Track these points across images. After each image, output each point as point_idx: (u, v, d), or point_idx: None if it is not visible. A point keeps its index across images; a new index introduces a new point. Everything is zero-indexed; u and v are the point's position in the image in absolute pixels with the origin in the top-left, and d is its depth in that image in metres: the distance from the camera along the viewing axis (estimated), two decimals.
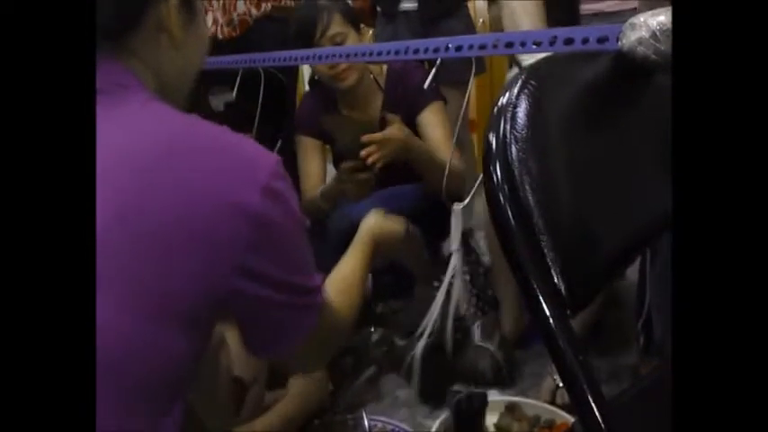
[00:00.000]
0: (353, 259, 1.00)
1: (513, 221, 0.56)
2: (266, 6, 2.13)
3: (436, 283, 1.77)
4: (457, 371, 1.28)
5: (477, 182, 1.34)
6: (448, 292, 1.18)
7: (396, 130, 1.59)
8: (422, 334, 1.21)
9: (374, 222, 1.11)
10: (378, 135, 1.56)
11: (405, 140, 1.58)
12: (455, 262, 1.14)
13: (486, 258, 1.71)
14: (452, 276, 1.15)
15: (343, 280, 0.91)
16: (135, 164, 0.57)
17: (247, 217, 0.60)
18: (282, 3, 2.15)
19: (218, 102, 1.86)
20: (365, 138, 1.56)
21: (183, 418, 0.60)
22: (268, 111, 1.85)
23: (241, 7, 2.10)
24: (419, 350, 1.20)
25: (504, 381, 1.32)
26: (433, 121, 1.72)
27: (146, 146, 0.59)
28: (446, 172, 1.42)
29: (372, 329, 1.53)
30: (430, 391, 1.32)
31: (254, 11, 2.10)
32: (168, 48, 0.68)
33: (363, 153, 1.55)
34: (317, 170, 1.79)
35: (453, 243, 1.15)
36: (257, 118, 1.77)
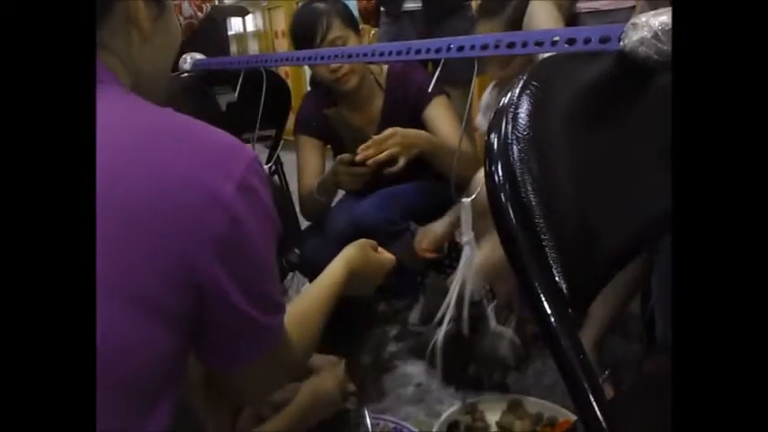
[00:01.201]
0: (319, 292, 0.93)
1: (514, 221, 0.56)
2: (207, 8, 2.14)
3: (449, 271, 1.78)
4: (476, 357, 1.30)
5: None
6: (462, 282, 1.20)
7: (392, 129, 1.58)
8: (441, 321, 1.21)
9: (356, 254, 1.02)
10: (376, 137, 1.56)
11: (404, 135, 1.58)
12: (468, 252, 1.15)
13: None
14: (466, 267, 1.17)
15: (303, 314, 0.85)
16: (109, 156, 0.56)
17: (221, 210, 0.58)
18: (216, 2, 2.16)
19: (219, 102, 1.86)
20: (362, 147, 1.55)
21: (169, 420, 0.58)
22: (270, 111, 1.85)
23: (187, 10, 2.11)
24: (440, 337, 1.22)
25: (524, 364, 1.33)
26: (439, 114, 1.72)
27: (119, 139, 0.57)
28: (457, 155, 1.42)
29: (388, 328, 1.54)
30: (454, 374, 1.35)
31: (199, 14, 2.12)
32: (138, 41, 0.66)
33: (359, 157, 1.55)
34: (316, 167, 1.80)
35: (465, 235, 1.16)
36: (259, 118, 1.77)
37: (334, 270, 0.98)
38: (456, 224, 1.56)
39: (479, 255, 1.43)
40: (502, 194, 0.57)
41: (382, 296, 1.65)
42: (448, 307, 1.20)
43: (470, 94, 1.23)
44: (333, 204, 1.85)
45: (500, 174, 0.58)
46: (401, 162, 1.56)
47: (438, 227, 1.61)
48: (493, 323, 1.25)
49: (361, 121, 1.80)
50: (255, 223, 0.61)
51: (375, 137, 1.58)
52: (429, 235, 1.59)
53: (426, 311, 1.37)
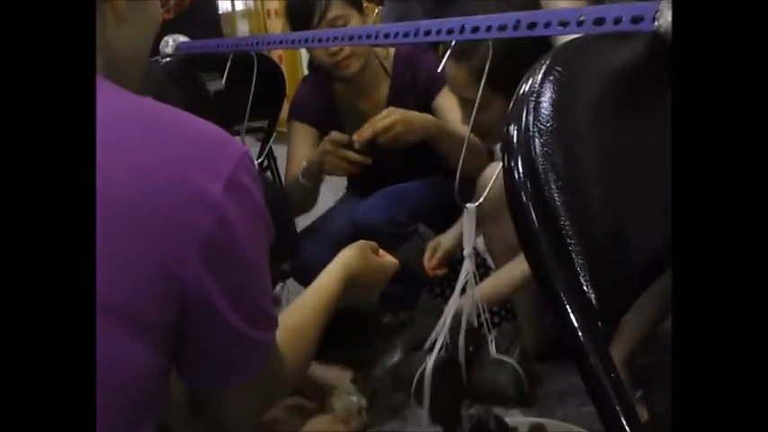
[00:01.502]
0: (314, 301, 0.92)
1: (536, 223, 0.56)
2: None
3: (438, 290, 1.77)
4: (473, 389, 1.28)
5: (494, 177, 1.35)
6: (460, 303, 1.18)
7: (391, 108, 1.58)
8: (431, 348, 1.20)
9: (354, 258, 1.01)
10: (373, 118, 1.55)
11: (404, 114, 1.57)
12: (468, 267, 1.14)
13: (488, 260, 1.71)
14: (464, 283, 1.14)
15: (296, 327, 0.85)
16: None
17: (207, 209, 0.58)
18: None
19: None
20: (356, 134, 1.55)
21: None
22: (261, 100, 1.85)
23: None
24: (430, 366, 1.19)
25: (526, 399, 1.32)
26: (450, 104, 1.70)
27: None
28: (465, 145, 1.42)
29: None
30: (443, 411, 1.32)
31: None
32: (113, 22, 0.66)
33: (354, 137, 1.55)
34: (307, 156, 1.77)
35: (466, 246, 1.14)
36: (249, 108, 1.76)
37: (330, 276, 0.98)
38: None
39: (491, 278, 1.43)
40: (522, 193, 0.56)
41: (386, 306, 1.64)
42: (441, 330, 1.17)
43: (482, 82, 1.23)
44: (332, 204, 1.85)
45: (520, 170, 0.57)
46: (401, 140, 1.55)
47: (447, 240, 1.60)
48: (493, 351, 1.23)
49: (364, 108, 1.80)
50: (245, 226, 0.61)
51: (373, 118, 1.56)
52: (437, 250, 1.58)
53: (415, 337, 1.35)
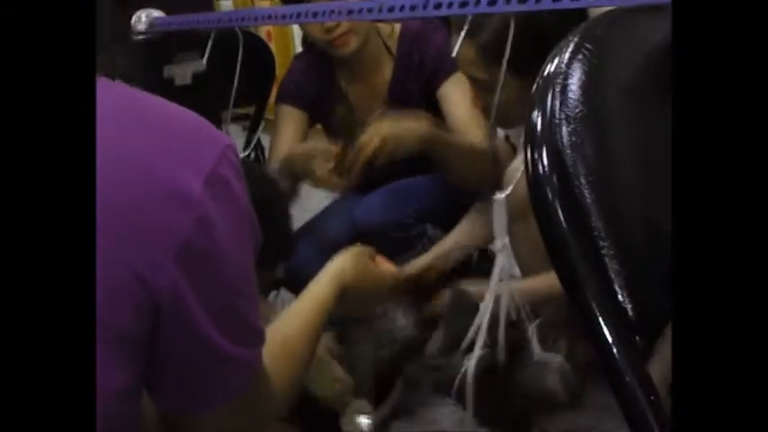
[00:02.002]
0: (304, 314, 0.93)
1: (564, 223, 0.56)
2: None
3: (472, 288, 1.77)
4: (518, 389, 1.29)
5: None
6: (497, 297, 1.20)
7: (376, 126, 1.54)
8: (470, 348, 1.21)
9: (348, 266, 1.02)
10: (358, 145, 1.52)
11: (394, 134, 1.53)
12: (502, 261, 1.15)
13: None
14: (501, 278, 1.16)
15: (284, 343, 0.85)
16: None
17: (185, 208, 0.58)
18: None
19: (183, 72, 1.86)
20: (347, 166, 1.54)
21: None
22: (248, 83, 1.85)
23: None
24: (471, 367, 1.21)
25: (579, 399, 1.33)
26: (456, 95, 1.69)
27: None
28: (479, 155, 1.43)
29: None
30: (489, 412, 1.34)
31: None
32: None
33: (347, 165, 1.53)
34: (291, 141, 1.76)
35: (498, 239, 1.16)
36: (234, 93, 1.77)
37: (321, 286, 0.99)
38: (446, 261, 1.55)
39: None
40: (548, 189, 0.57)
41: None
42: (479, 329, 1.19)
43: (502, 70, 1.23)
44: (327, 202, 1.85)
45: (545, 162, 0.57)
46: (395, 156, 1.53)
47: (419, 263, 1.59)
48: (537, 348, 1.24)
49: (363, 94, 1.80)
50: (228, 227, 0.61)
51: (357, 144, 1.52)
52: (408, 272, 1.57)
53: (449, 337, 1.36)
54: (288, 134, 1.78)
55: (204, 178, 0.59)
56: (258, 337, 0.69)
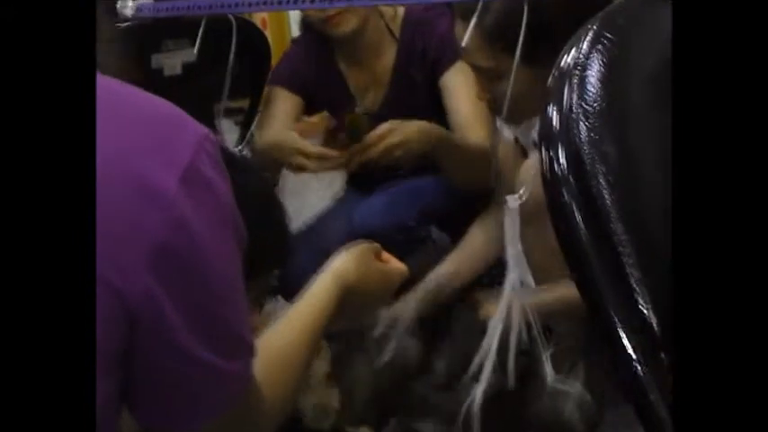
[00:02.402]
0: (300, 321, 0.92)
1: (582, 227, 0.56)
2: None
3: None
4: (532, 421, 1.28)
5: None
6: (507, 316, 1.18)
7: (388, 125, 1.56)
8: (477, 376, 1.20)
9: (350, 265, 1.01)
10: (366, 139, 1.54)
11: (405, 134, 1.55)
12: (514, 271, 1.14)
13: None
14: (512, 294, 1.15)
15: (279, 354, 0.84)
16: None
17: (158, 208, 0.58)
18: None
19: (172, 61, 1.86)
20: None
21: None
22: (242, 74, 1.85)
23: None
24: (478, 397, 1.19)
25: (598, 426, 1.32)
26: (460, 87, 1.69)
27: None
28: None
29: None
30: None
31: None
32: None
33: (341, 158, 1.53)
34: (279, 126, 1.77)
35: (510, 247, 1.14)
36: (227, 84, 1.76)
37: (321, 288, 0.97)
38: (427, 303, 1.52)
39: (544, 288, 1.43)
40: (564, 190, 0.56)
41: None
42: (488, 353, 1.17)
43: (515, 58, 1.23)
44: (327, 203, 1.85)
45: (561, 161, 0.57)
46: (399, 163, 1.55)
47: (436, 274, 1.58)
48: (550, 374, 1.22)
49: (363, 79, 1.80)
50: (208, 228, 0.61)
51: (366, 138, 1.54)
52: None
53: (456, 359, 1.35)
54: (277, 118, 1.79)
55: (180, 174, 0.59)
56: (246, 348, 0.68)
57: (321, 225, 1.78)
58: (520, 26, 1.19)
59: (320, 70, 1.81)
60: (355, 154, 1.54)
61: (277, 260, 1.38)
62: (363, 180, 1.88)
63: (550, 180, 0.57)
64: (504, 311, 1.16)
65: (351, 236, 1.61)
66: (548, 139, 0.58)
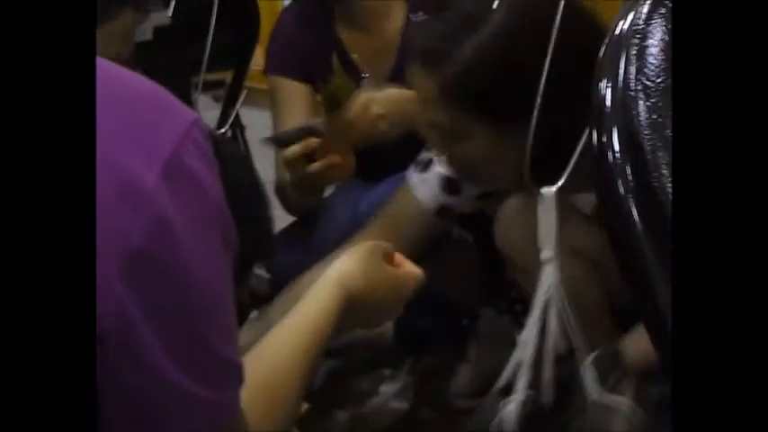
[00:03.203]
0: (296, 337, 0.92)
1: (639, 224, 0.56)
2: None
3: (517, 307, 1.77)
4: None
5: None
6: (542, 324, 1.19)
7: (363, 98, 1.56)
8: (508, 389, 1.20)
9: (357, 268, 1.01)
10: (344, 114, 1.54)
11: (384, 104, 1.55)
12: (550, 277, 1.14)
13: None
14: (547, 299, 1.15)
15: (271, 376, 0.85)
16: None
17: (136, 206, 0.58)
18: None
19: (142, 26, 1.86)
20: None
21: None
22: (224, 41, 1.86)
23: None
24: (511, 413, 1.20)
25: None
26: None
27: None
28: None
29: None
30: None
31: None
32: None
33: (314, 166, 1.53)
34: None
35: (545, 248, 1.15)
36: (206, 52, 1.77)
37: (320, 298, 0.97)
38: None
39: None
40: (619, 182, 0.56)
41: (407, 348, 1.65)
42: (520, 366, 1.18)
43: (557, 22, 1.22)
44: (328, 192, 1.85)
45: (616, 147, 0.57)
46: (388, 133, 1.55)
47: None
48: (594, 388, 1.23)
49: (368, 47, 1.80)
50: (193, 230, 0.61)
51: (347, 114, 1.54)
52: None
53: (481, 374, 1.35)
54: (291, 116, 1.78)
55: (161, 167, 0.59)
56: (234, 375, 0.68)
57: (320, 220, 1.78)
58: (493, 80, 1.19)
59: (318, 39, 1.81)
60: (338, 134, 1.54)
61: (260, 257, 1.38)
62: (368, 166, 1.88)
63: (602, 171, 0.57)
64: (538, 319, 1.17)
65: (352, 232, 1.61)
66: (600, 120, 0.58)
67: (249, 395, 0.71)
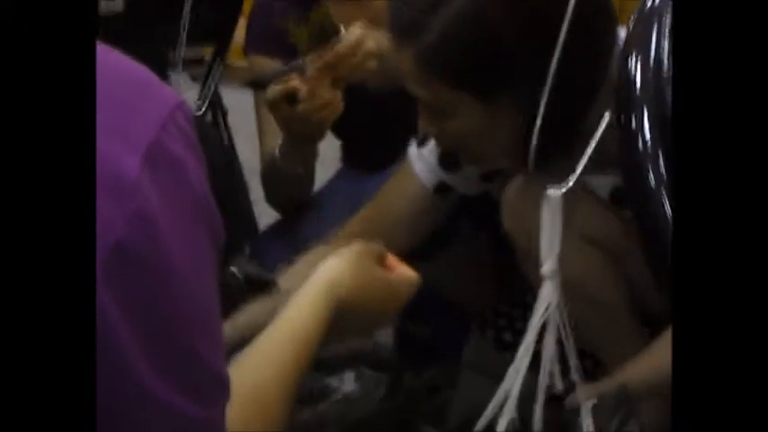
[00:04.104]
0: (284, 343, 0.94)
1: (671, 221, 0.57)
2: None
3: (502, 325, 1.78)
4: None
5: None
6: (535, 350, 1.18)
7: (360, 31, 1.58)
8: (490, 428, 1.20)
9: (347, 272, 1.02)
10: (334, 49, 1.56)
11: (380, 49, 1.57)
12: (549, 294, 1.14)
13: None
14: (545, 320, 1.15)
15: (255, 389, 0.86)
16: None
17: (116, 196, 0.58)
18: None
19: None
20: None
21: None
22: (203, 14, 1.86)
23: None
24: None
25: None
26: None
27: None
28: None
29: None
30: None
31: None
32: None
33: (302, 86, 1.54)
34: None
35: (545, 259, 1.14)
36: (184, 28, 1.77)
37: (307, 305, 0.98)
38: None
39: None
40: (650, 174, 0.57)
41: (407, 359, 1.65)
42: (506, 400, 1.17)
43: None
44: (320, 184, 1.85)
45: (647, 134, 0.57)
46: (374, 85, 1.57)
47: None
48: (591, 429, 1.22)
49: (353, 17, 1.79)
50: (179, 224, 0.61)
51: (337, 48, 1.56)
52: None
53: (463, 408, 1.35)
54: None
55: (143, 153, 0.59)
56: (221, 388, 0.68)
57: (309, 213, 1.79)
58: (473, 49, 1.20)
59: (301, 10, 1.82)
60: (326, 68, 1.55)
61: (237, 248, 1.39)
62: (364, 152, 1.89)
63: (630, 160, 0.59)
64: (531, 344, 1.16)
65: (348, 214, 1.62)
66: (627, 104, 0.59)
67: (233, 409, 0.72)
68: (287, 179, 1.74)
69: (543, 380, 1.17)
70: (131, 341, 0.60)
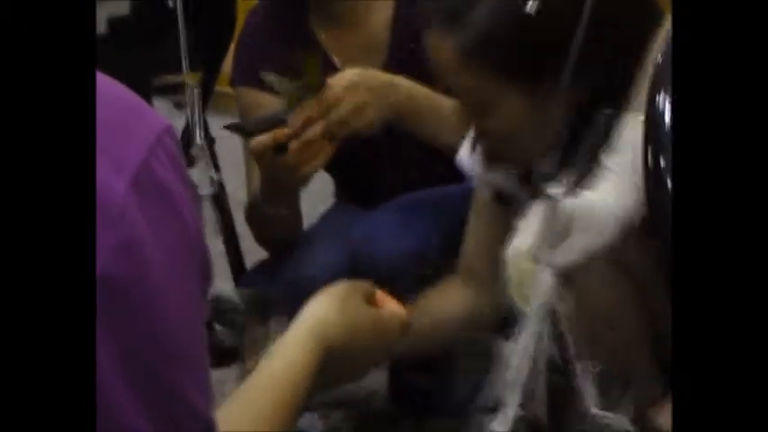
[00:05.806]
0: (269, 391, 0.93)
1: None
2: None
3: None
4: None
5: None
6: (538, 335, 1.20)
7: (352, 75, 1.58)
8: (494, 408, 1.22)
9: (335, 313, 1.02)
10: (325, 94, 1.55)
11: (369, 87, 1.57)
12: (546, 280, 1.17)
13: None
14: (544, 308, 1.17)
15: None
16: None
17: (102, 221, 0.58)
18: None
19: (97, 15, 1.88)
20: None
21: None
22: (193, 36, 1.86)
23: None
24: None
25: None
26: None
27: None
28: None
29: None
30: None
31: None
32: None
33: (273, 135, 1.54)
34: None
35: (541, 247, 1.17)
36: (183, 52, 1.77)
37: (293, 348, 0.99)
38: None
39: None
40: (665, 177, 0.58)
41: (403, 408, 1.65)
42: (515, 381, 1.20)
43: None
44: (311, 221, 1.85)
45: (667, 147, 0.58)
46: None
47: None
48: (591, 404, 1.24)
49: (349, 47, 1.80)
50: (166, 252, 0.62)
51: (325, 91, 1.55)
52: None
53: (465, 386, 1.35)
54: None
55: (130, 177, 0.60)
56: (204, 429, 0.67)
57: (304, 254, 1.77)
58: (521, 41, 1.22)
59: (292, 43, 1.80)
60: (315, 120, 1.54)
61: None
62: (359, 188, 1.89)
63: (658, 197, 0.59)
64: (533, 330, 1.18)
65: (345, 266, 1.61)
66: (656, 145, 0.60)
67: None
68: (271, 220, 1.74)
69: (544, 356, 1.20)
70: (109, 372, 0.59)
